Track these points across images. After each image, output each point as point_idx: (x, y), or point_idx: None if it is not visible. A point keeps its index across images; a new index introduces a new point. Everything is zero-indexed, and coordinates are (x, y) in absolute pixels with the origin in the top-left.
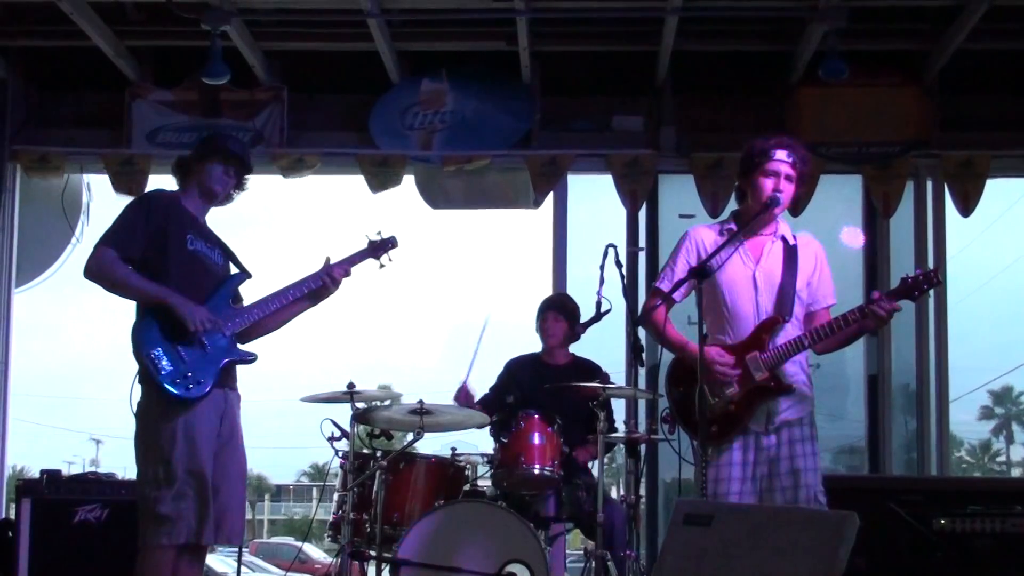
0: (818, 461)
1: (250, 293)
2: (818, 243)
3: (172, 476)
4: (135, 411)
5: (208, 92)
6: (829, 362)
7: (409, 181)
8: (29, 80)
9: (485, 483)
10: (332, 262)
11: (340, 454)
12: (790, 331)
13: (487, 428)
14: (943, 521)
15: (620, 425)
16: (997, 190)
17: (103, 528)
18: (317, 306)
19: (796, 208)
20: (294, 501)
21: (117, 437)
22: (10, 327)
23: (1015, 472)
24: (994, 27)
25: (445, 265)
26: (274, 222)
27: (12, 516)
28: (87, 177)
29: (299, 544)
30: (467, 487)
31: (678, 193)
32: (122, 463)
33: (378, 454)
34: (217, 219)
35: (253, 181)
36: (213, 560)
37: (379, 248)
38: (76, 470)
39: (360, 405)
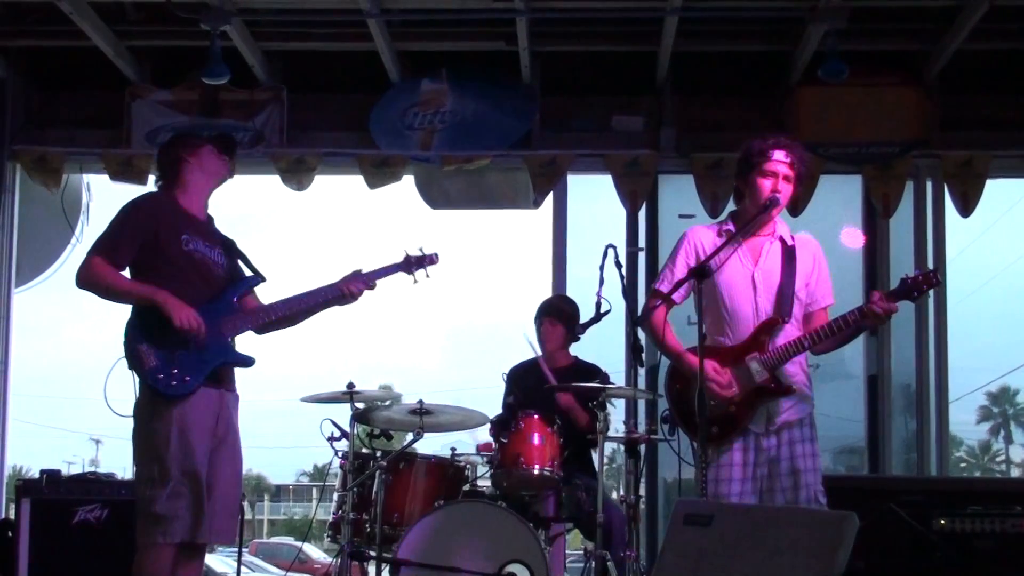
0: (818, 461)
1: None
2: (816, 243)
3: (167, 475)
4: (132, 411)
5: (208, 92)
6: (829, 362)
7: (409, 181)
8: (29, 80)
9: (485, 483)
10: (362, 272)
11: (340, 454)
12: (789, 332)
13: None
14: (943, 521)
15: (620, 425)
16: (997, 190)
17: (103, 528)
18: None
19: (795, 208)
20: (294, 501)
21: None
22: (10, 327)
23: (1015, 472)
24: (994, 27)
25: (445, 265)
26: (274, 222)
27: (12, 516)
28: (87, 177)
29: (299, 544)
30: (467, 487)
31: (678, 193)
32: (122, 463)
33: (378, 454)
34: (219, 220)
35: (253, 182)
36: (213, 560)
37: (416, 263)
38: (76, 470)
39: (360, 405)
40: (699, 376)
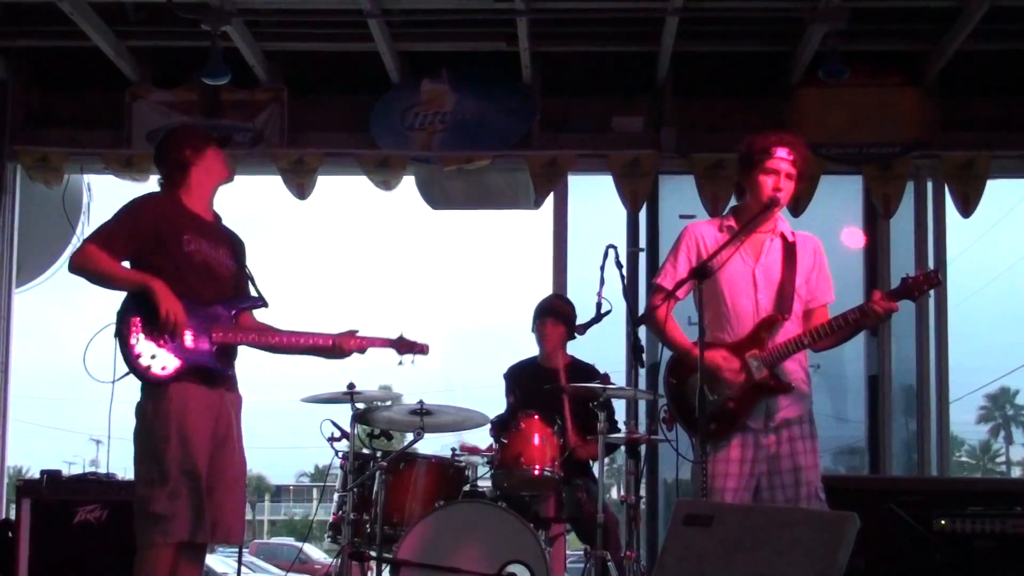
0: (818, 458)
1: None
2: (817, 240)
3: (166, 475)
4: (135, 411)
5: (208, 92)
6: (829, 363)
7: (409, 181)
8: (29, 80)
9: (485, 483)
10: (358, 334)
11: (340, 454)
12: (789, 328)
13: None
14: (943, 522)
15: (621, 425)
16: (997, 191)
17: (103, 528)
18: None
19: (796, 208)
20: (294, 501)
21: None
22: (10, 327)
23: (1015, 473)
24: (994, 28)
25: (445, 265)
26: (276, 222)
27: (12, 516)
28: (87, 177)
29: (299, 544)
30: (467, 487)
31: (678, 194)
32: (122, 464)
33: (378, 454)
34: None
35: (253, 182)
36: (213, 560)
37: (407, 347)
38: (76, 470)
39: (360, 405)
40: (699, 377)
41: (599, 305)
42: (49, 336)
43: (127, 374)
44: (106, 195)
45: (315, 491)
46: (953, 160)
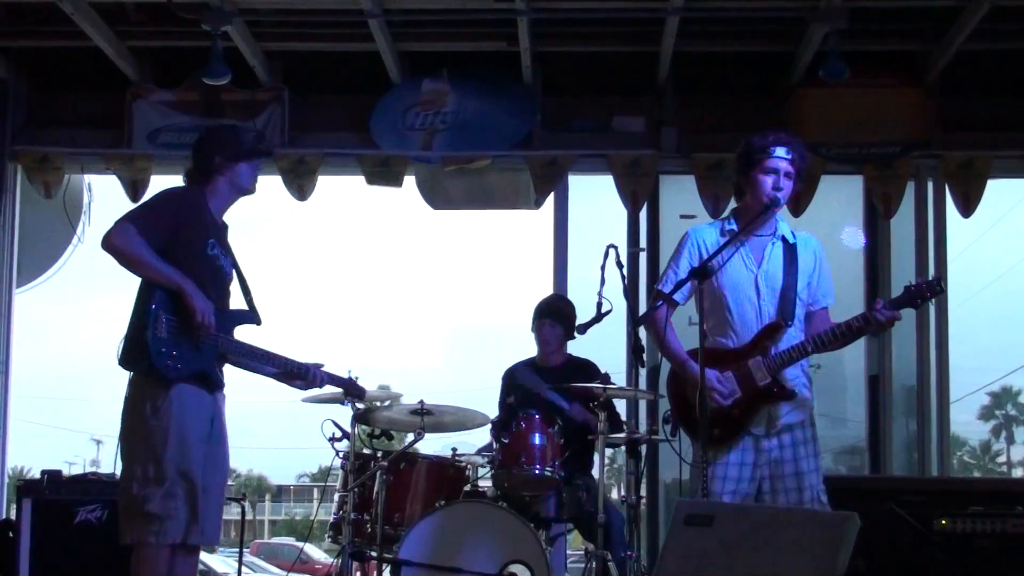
0: (819, 462)
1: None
2: (817, 241)
3: (163, 475)
4: (123, 409)
5: (209, 92)
6: (829, 363)
7: (410, 181)
8: (30, 80)
9: (486, 483)
10: (322, 368)
11: (341, 454)
12: (792, 333)
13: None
14: (944, 522)
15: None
16: (998, 191)
17: (103, 528)
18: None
19: (797, 208)
20: (295, 501)
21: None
22: (11, 327)
23: (1016, 473)
24: (995, 28)
25: (446, 265)
26: (277, 223)
27: (13, 516)
28: (88, 177)
29: (300, 544)
30: (467, 487)
31: (679, 194)
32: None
33: (379, 454)
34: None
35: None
36: (214, 560)
37: (351, 390)
38: (77, 470)
39: (361, 405)
40: (700, 376)
41: (599, 305)
42: (49, 336)
43: (134, 365)
44: (106, 195)
45: (316, 491)
46: (953, 160)
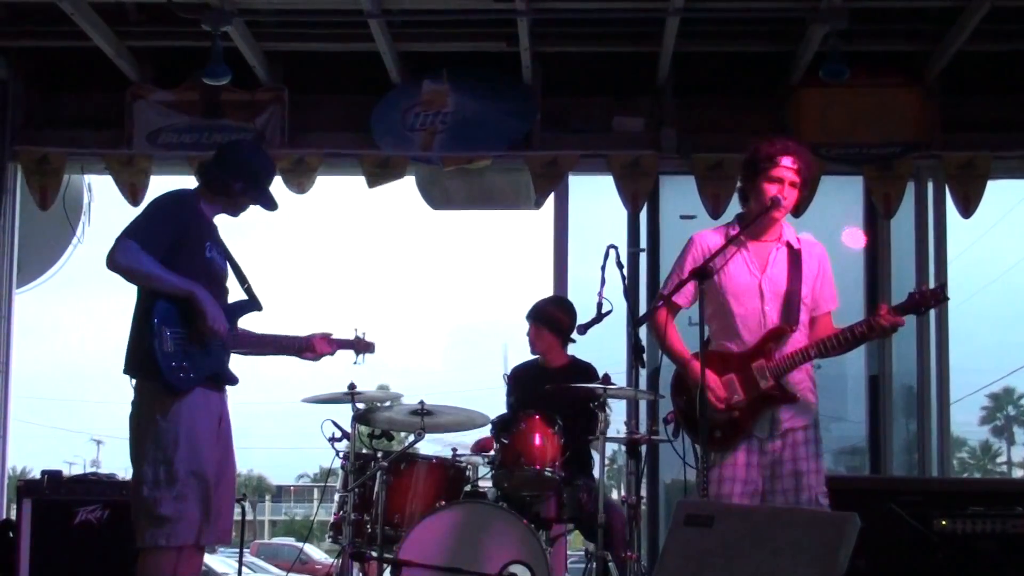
0: (821, 463)
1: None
2: (821, 246)
3: (174, 477)
4: (131, 413)
5: (209, 93)
6: (830, 363)
7: (410, 182)
8: (30, 80)
9: (486, 484)
10: (332, 337)
11: (341, 455)
12: (796, 338)
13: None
14: (944, 522)
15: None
16: (998, 191)
17: (104, 529)
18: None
19: (798, 209)
20: (295, 502)
21: (118, 438)
22: (11, 328)
23: (1016, 473)
24: (995, 28)
25: (446, 266)
26: (276, 222)
27: (13, 517)
28: (88, 177)
29: (300, 545)
30: (468, 488)
31: (679, 194)
32: (123, 464)
33: (379, 455)
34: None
35: None
36: (214, 560)
37: (360, 347)
38: (77, 471)
39: (361, 406)
40: (700, 376)
41: (600, 305)
42: (49, 336)
43: (143, 375)
44: (106, 195)
45: (316, 491)
46: (954, 160)
